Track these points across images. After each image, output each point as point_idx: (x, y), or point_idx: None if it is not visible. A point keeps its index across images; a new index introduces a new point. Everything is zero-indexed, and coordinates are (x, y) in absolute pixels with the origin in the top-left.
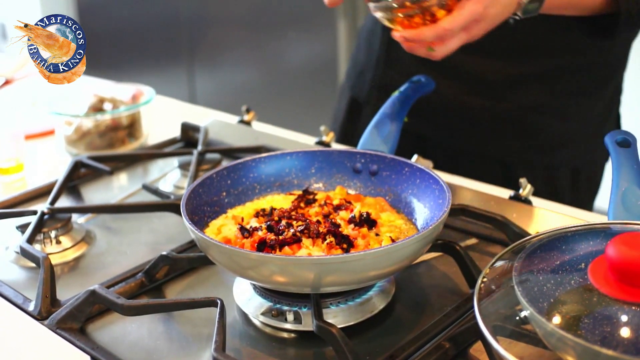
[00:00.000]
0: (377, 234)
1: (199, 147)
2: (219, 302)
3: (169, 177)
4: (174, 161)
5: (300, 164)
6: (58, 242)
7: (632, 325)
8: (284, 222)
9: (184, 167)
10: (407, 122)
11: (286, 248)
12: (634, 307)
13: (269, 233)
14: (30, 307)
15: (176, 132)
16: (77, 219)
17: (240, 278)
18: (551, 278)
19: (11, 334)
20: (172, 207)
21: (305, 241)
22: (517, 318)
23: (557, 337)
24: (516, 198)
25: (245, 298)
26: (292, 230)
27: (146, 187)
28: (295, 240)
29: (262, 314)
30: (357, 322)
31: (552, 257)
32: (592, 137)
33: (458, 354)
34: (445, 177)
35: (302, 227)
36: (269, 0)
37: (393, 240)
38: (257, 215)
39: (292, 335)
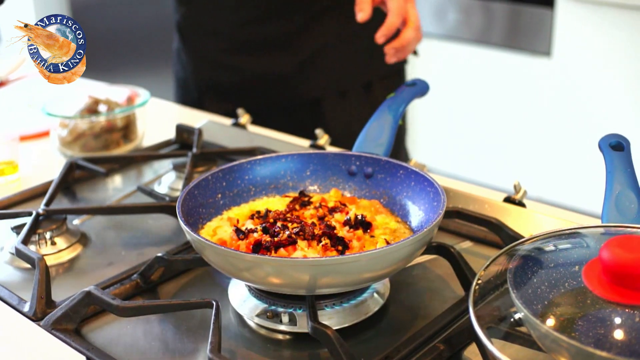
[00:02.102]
0: (372, 236)
1: (194, 149)
2: (214, 303)
3: (164, 178)
4: (169, 163)
5: (295, 166)
6: (53, 243)
7: (626, 327)
8: (279, 224)
9: (178, 169)
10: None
11: (281, 250)
12: (627, 309)
13: (264, 235)
14: (26, 308)
15: (171, 134)
16: (72, 220)
17: (235, 280)
18: (545, 280)
19: (6, 335)
20: (167, 208)
21: (301, 243)
22: (512, 320)
23: (551, 339)
24: (510, 201)
25: (241, 300)
26: (287, 232)
27: (141, 189)
28: (291, 242)
29: (257, 315)
30: (352, 323)
31: (546, 260)
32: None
33: (452, 355)
34: (440, 179)
35: (297, 229)
36: None
37: (388, 243)
38: (252, 217)
39: (287, 336)
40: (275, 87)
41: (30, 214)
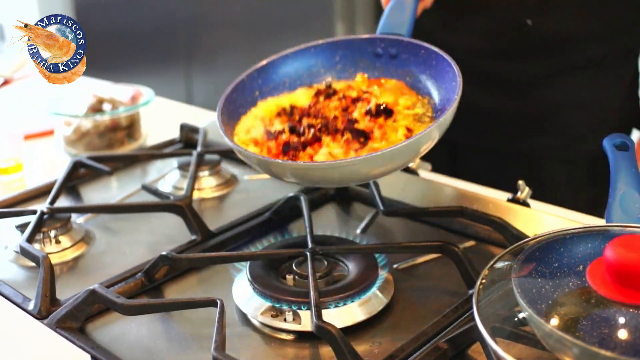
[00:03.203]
0: (394, 121)
1: (199, 148)
2: (218, 302)
3: (168, 177)
4: (173, 162)
5: (324, 55)
6: (57, 241)
7: (630, 326)
8: (304, 121)
9: (183, 168)
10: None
11: (309, 148)
12: (631, 309)
13: (291, 135)
14: (30, 307)
15: (175, 133)
16: (77, 219)
17: (239, 279)
18: (549, 280)
19: (11, 333)
20: (171, 207)
21: (325, 139)
22: (516, 319)
23: (555, 339)
24: (514, 201)
25: (245, 298)
26: (312, 131)
27: (145, 188)
28: (316, 140)
29: (262, 314)
30: (356, 322)
31: (551, 259)
32: (615, 125)
33: (456, 355)
34: (443, 179)
35: (320, 125)
36: (266, 3)
37: (408, 129)
38: (279, 114)
39: (291, 335)
40: (486, 128)
41: (34, 212)
